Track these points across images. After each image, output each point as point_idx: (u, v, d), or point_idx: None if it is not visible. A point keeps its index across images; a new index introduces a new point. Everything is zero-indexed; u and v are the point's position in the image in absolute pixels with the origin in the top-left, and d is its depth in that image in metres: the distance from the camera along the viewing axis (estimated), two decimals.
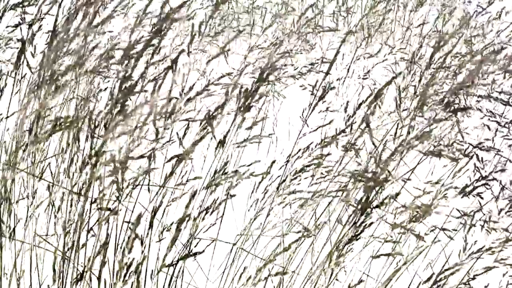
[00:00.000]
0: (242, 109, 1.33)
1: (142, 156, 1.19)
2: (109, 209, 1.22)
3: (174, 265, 1.37)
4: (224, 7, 3.84)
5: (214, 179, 1.36)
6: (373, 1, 3.91)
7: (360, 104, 1.49)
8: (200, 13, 3.97)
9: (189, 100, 1.31)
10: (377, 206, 1.30)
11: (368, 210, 1.31)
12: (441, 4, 4.08)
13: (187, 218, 1.27)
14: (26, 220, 1.56)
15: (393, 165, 1.57)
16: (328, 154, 1.51)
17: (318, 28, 3.35)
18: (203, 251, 1.29)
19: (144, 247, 1.34)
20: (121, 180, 1.19)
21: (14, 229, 1.49)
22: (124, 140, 1.23)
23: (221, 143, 1.35)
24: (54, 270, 1.37)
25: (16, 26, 1.35)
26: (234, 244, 1.61)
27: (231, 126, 1.34)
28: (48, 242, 1.30)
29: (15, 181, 1.66)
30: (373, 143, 1.38)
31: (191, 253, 1.26)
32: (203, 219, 1.37)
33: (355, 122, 1.49)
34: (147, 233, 1.35)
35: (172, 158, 1.28)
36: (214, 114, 1.32)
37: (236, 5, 3.89)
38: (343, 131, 1.48)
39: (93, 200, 1.25)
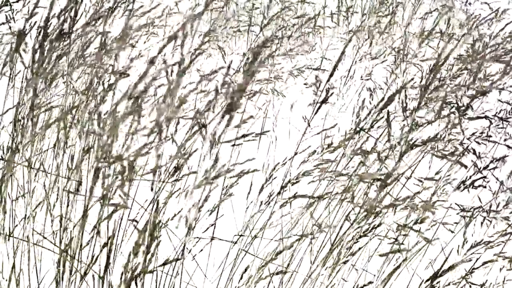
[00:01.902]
0: (228, 107, 1.32)
1: (147, 152, 1.18)
2: (115, 205, 1.21)
3: (170, 264, 1.36)
4: (224, 7, 3.83)
5: (206, 178, 1.34)
6: (372, 1, 3.91)
7: (371, 110, 1.48)
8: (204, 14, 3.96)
9: (184, 98, 1.30)
10: (387, 207, 1.29)
11: (378, 210, 1.30)
12: (441, 6, 4.07)
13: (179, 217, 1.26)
14: (24, 219, 1.55)
15: (401, 165, 1.56)
16: (335, 160, 1.50)
17: (318, 28, 3.34)
18: (190, 252, 1.28)
19: (148, 248, 1.33)
20: (127, 178, 1.18)
21: (13, 227, 1.48)
22: (122, 136, 1.22)
23: (211, 141, 1.34)
24: (59, 269, 1.36)
25: (7, 21, 1.34)
26: (235, 243, 1.60)
27: (218, 124, 1.33)
28: (50, 241, 1.29)
29: (12, 179, 1.65)
30: (390, 143, 1.37)
31: (176, 258, 1.24)
32: (195, 218, 1.36)
33: (365, 128, 1.48)
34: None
35: (170, 170, 1.27)
36: (204, 112, 1.31)
37: (236, 6, 3.89)
38: (352, 137, 1.47)
39: (94, 198, 1.24)
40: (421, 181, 1.52)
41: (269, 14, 3.93)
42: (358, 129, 1.48)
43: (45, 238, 1.36)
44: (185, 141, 1.28)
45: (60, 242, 1.32)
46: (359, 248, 1.36)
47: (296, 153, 1.54)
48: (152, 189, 1.35)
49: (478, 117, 1.41)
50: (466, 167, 1.31)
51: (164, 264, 1.28)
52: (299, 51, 3.30)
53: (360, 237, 1.37)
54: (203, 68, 3.43)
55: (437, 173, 1.71)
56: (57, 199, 1.47)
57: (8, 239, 1.51)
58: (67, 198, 1.37)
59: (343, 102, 3.31)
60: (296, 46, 3.28)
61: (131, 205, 1.47)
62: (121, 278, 1.26)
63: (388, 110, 1.43)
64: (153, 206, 1.32)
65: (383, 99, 1.45)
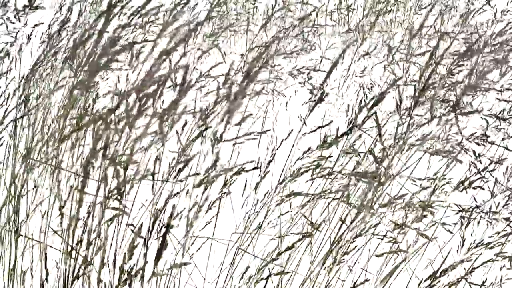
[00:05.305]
0: (231, 106, 1.33)
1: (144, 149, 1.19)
2: (117, 209, 1.23)
3: (168, 271, 1.36)
4: (224, 7, 3.84)
5: (206, 177, 1.35)
6: (372, 1, 3.92)
7: (362, 107, 1.49)
8: (203, 14, 3.98)
9: (184, 93, 1.31)
10: (382, 206, 1.30)
11: (372, 210, 1.31)
12: (442, 5, 4.08)
13: (179, 216, 1.27)
14: (28, 217, 1.56)
15: (394, 163, 1.57)
16: (330, 156, 1.51)
17: (318, 26, 3.35)
18: (195, 252, 1.29)
19: (147, 249, 1.34)
20: (124, 180, 1.19)
21: (20, 225, 1.49)
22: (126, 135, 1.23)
23: (214, 140, 1.35)
24: (66, 268, 1.37)
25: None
26: (235, 242, 1.61)
27: (219, 123, 1.34)
28: (59, 235, 1.30)
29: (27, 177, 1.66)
30: (382, 142, 1.38)
31: (183, 263, 1.26)
32: (196, 217, 1.37)
33: (358, 125, 1.49)
34: (149, 235, 1.35)
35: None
36: (208, 111, 1.32)
37: (236, 3, 3.90)
38: (345, 133, 1.48)
39: (96, 200, 1.25)
40: (414, 180, 1.54)
41: (267, 13, 3.94)
42: (351, 125, 1.49)
43: (56, 233, 1.37)
44: (188, 142, 1.29)
45: (67, 242, 1.33)
46: (354, 248, 1.37)
47: (291, 152, 1.55)
48: (152, 188, 1.37)
49: (470, 112, 1.42)
50: (461, 162, 1.32)
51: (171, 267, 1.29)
52: (299, 51, 3.31)
53: (357, 236, 1.38)
54: (203, 67, 3.43)
55: (435, 174, 1.72)
56: (68, 197, 1.48)
57: (17, 237, 1.52)
58: (72, 195, 1.38)
59: (342, 102, 3.32)
60: (296, 47, 3.29)
61: (131, 207, 1.48)
62: (119, 279, 1.28)
63: (375, 110, 1.44)
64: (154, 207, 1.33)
65: (373, 97, 1.46)
